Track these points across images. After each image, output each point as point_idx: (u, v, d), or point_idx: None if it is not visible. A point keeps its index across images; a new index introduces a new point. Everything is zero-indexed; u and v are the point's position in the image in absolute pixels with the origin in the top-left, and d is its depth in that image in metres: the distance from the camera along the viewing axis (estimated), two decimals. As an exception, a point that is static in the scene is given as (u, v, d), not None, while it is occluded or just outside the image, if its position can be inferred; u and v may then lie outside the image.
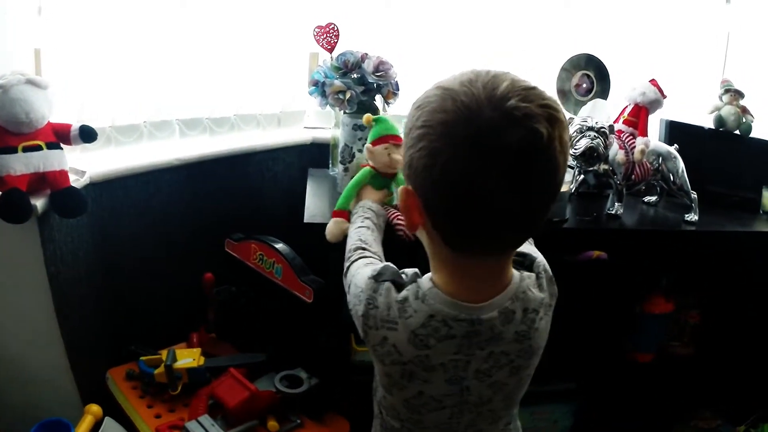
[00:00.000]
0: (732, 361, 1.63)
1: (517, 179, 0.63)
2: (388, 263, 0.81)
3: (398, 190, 0.73)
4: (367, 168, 1.23)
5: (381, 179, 1.26)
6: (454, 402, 0.78)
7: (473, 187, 0.63)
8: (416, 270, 0.78)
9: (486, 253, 0.71)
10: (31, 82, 1.13)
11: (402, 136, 1.24)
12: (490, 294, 0.73)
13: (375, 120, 1.23)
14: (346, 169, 1.45)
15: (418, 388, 0.76)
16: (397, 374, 0.76)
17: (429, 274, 0.76)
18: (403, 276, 0.78)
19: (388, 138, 1.22)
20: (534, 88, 0.64)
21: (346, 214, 1.17)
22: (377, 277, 0.77)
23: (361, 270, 0.83)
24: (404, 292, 0.74)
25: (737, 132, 1.68)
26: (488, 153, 0.62)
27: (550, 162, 0.64)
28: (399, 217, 1.21)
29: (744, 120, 1.67)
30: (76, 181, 1.22)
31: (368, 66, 1.44)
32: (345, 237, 1.07)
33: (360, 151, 1.43)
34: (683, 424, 1.71)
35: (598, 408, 1.60)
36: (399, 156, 1.22)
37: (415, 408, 0.78)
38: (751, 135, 1.69)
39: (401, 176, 1.29)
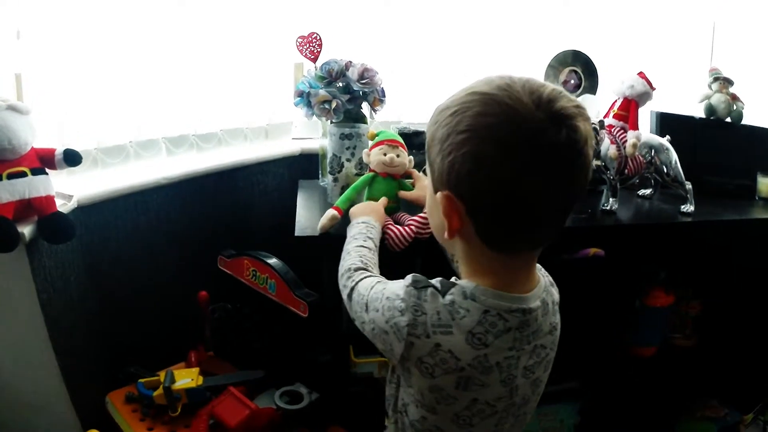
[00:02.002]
0: (736, 349, 1.62)
1: (562, 177, 0.67)
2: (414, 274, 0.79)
3: (436, 198, 0.71)
4: (369, 173, 1.28)
5: (383, 183, 1.26)
6: (504, 405, 0.77)
7: (522, 186, 0.65)
8: (441, 278, 0.77)
9: (525, 249, 0.74)
10: (12, 107, 1.12)
11: (398, 139, 1.27)
12: (530, 287, 0.76)
13: (377, 134, 1.28)
14: (335, 179, 1.43)
15: (472, 396, 0.74)
16: (451, 385, 0.73)
17: (465, 280, 0.75)
18: (437, 284, 0.76)
19: (383, 142, 1.27)
20: (563, 90, 0.68)
21: (341, 212, 1.22)
22: (416, 284, 0.75)
23: (383, 284, 0.81)
24: (449, 296, 0.73)
25: (728, 120, 1.67)
26: (536, 153, 0.65)
27: (587, 159, 0.68)
28: (390, 226, 1.20)
29: (734, 107, 1.66)
30: (63, 206, 1.21)
31: (353, 74, 1.43)
32: (330, 229, 1.15)
33: (348, 160, 1.42)
34: (690, 415, 1.70)
35: (604, 405, 1.59)
36: (393, 155, 1.23)
37: (467, 420, 0.75)
38: (743, 122, 1.68)
39: (406, 183, 1.29)
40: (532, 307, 0.75)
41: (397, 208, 1.31)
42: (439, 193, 0.71)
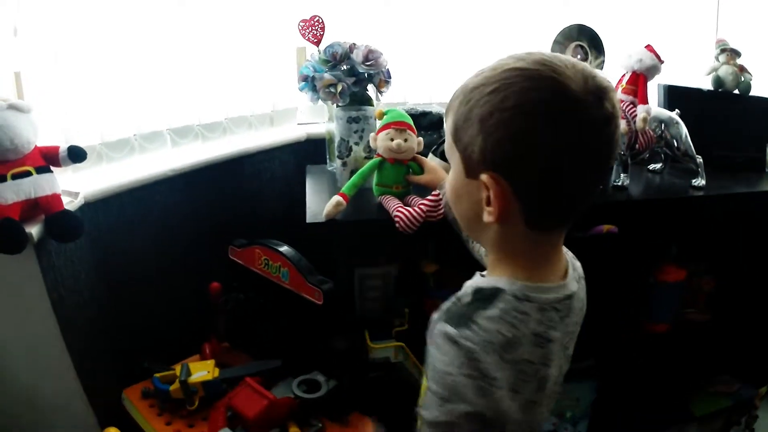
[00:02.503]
0: (749, 324, 1.62)
1: (603, 150, 0.66)
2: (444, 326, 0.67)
3: (484, 178, 0.66)
4: (377, 158, 1.26)
5: (392, 168, 1.25)
6: (554, 384, 0.74)
7: (570, 162, 0.64)
8: (474, 285, 0.73)
9: (562, 226, 0.73)
10: (13, 107, 1.09)
11: (406, 120, 1.25)
12: (563, 266, 0.76)
13: (385, 113, 1.25)
14: (344, 164, 1.42)
15: (541, 387, 0.71)
16: (532, 390, 0.69)
17: (501, 277, 0.71)
18: (466, 299, 0.71)
19: (389, 125, 1.24)
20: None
21: (347, 198, 1.21)
22: (457, 324, 0.65)
23: (447, 347, 0.66)
24: (500, 305, 0.68)
25: (736, 91, 1.65)
26: (585, 127, 0.64)
27: (619, 132, 0.68)
28: (399, 208, 1.19)
29: (742, 79, 1.64)
30: (70, 203, 1.18)
31: (357, 56, 1.41)
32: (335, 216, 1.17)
33: (357, 144, 1.40)
34: (703, 390, 1.71)
35: (619, 381, 1.59)
36: (401, 140, 1.22)
37: (534, 413, 0.71)
38: (751, 93, 1.66)
39: (414, 166, 1.27)
40: (574, 291, 0.74)
41: (406, 192, 1.29)
42: (483, 176, 0.67)
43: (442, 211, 1.19)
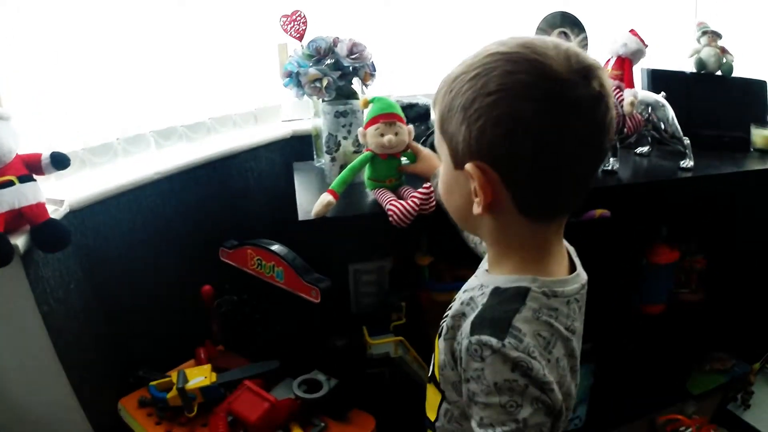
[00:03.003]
0: (741, 301, 1.64)
1: (596, 132, 0.63)
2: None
3: (468, 168, 0.64)
4: (368, 152, 1.24)
5: (384, 163, 1.24)
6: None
7: (560, 145, 0.62)
8: (490, 284, 0.71)
9: (561, 215, 0.71)
10: (-9, 114, 1.06)
11: (395, 111, 1.24)
12: (566, 256, 0.75)
13: (371, 101, 1.22)
14: (333, 159, 1.40)
15: (574, 383, 0.70)
16: (569, 385, 0.67)
17: (521, 276, 0.69)
18: (482, 300, 0.69)
19: (378, 118, 1.22)
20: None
21: (337, 195, 1.19)
22: (497, 333, 0.62)
23: (492, 359, 0.63)
24: (532, 304, 0.65)
25: (719, 73, 1.67)
26: (572, 108, 0.61)
27: (612, 112, 0.65)
28: (392, 202, 1.18)
29: (724, 60, 1.66)
30: (55, 212, 1.15)
31: (342, 50, 1.39)
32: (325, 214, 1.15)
33: (345, 138, 1.38)
34: (699, 368, 1.73)
35: (616, 364, 1.60)
36: (391, 135, 1.20)
37: (569, 404, 0.69)
38: (733, 74, 1.68)
39: (409, 155, 1.26)
40: (586, 279, 0.74)
41: (399, 184, 1.28)
42: (468, 165, 0.65)
43: (434, 202, 1.18)
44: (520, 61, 0.61)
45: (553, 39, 0.64)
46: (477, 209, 0.67)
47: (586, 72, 0.61)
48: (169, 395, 1.24)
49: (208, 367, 1.31)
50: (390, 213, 1.17)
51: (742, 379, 1.72)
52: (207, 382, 1.26)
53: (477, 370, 0.63)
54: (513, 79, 0.61)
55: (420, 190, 1.17)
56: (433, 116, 0.72)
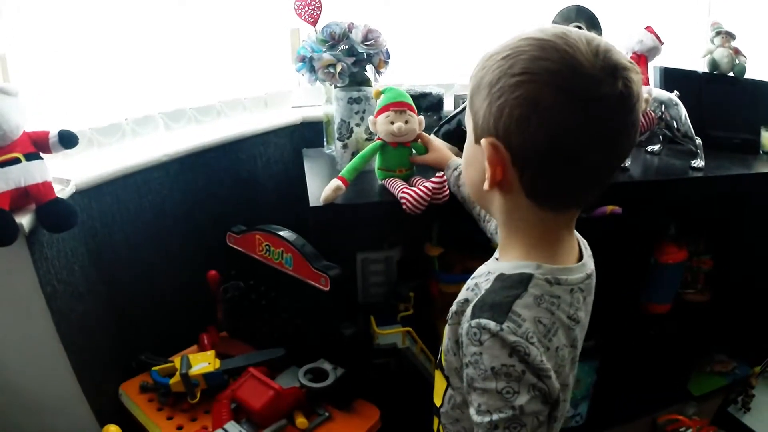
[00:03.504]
0: (746, 303, 1.64)
1: (614, 131, 0.63)
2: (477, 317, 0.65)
3: (482, 143, 0.66)
4: (378, 141, 1.23)
5: (394, 152, 1.22)
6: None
7: (573, 137, 0.62)
8: (495, 270, 0.70)
9: (571, 207, 0.72)
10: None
11: (406, 100, 1.22)
12: (576, 246, 0.75)
13: (382, 91, 1.21)
14: (345, 146, 1.38)
15: (572, 374, 0.72)
16: (566, 374, 0.68)
17: (526, 262, 0.69)
18: (486, 286, 0.69)
19: (389, 106, 1.21)
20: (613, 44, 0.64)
21: (347, 182, 1.18)
22: (497, 317, 0.63)
23: (490, 343, 0.63)
24: (534, 291, 0.66)
25: (731, 74, 1.66)
26: (592, 103, 0.61)
27: (638, 115, 0.65)
28: (405, 189, 1.17)
29: (737, 61, 1.65)
30: (61, 191, 1.13)
31: (356, 36, 1.37)
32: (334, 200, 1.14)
33: (358, 125, 1.36)
34: (701, 370, 1.73)
35: (619, 362, 1.60)
36: (401, 123, 1.19)
37: (566, 395, 0.70)
38: (745, 76, 1.67)
39: (418, 146, 1.24)
40: (593, 269, 0.75)
41: (410, 174, 1.27)
42: (483, 141, 0.66)
43: (447, 192, 1.17)
44: (549, 49, 0.62)
45: (590, 34, 0.64)
46: (486, 185, 0.68)
47: (614, 70, 0.61)
48: (172, 381, 1.23)
49: (212, 353, 1.30)
50: (403, 200, 1.15)
51: (743, 382, 1.72)
52: (210, 369, 1.25)
53: (475, 354, 0.63)
54: (538, 65, 0.62)
55: (433, 179, 1.16)
56: (468, 91, 0.73)
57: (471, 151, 0.73)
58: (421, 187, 1.15)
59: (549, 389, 0.61)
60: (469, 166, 0.75)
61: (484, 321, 0.63)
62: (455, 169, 1.17)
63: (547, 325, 0.65)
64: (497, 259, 0.77)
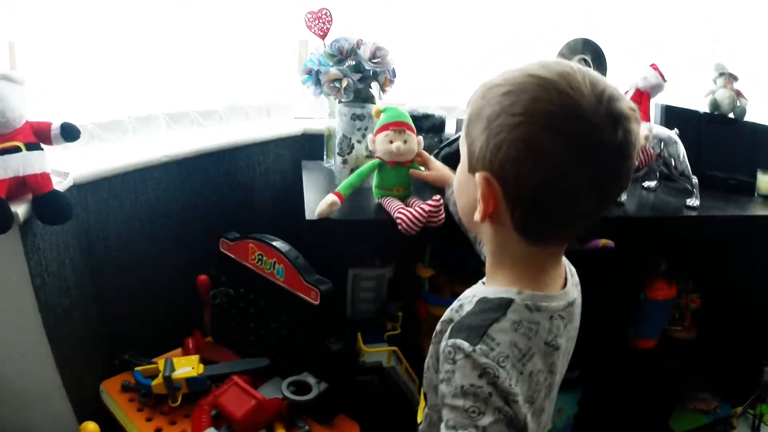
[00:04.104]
0: (731, 343, 1.64)
1: (609, 176, 0.64)
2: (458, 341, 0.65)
3: (477, 177, 0.67)
4: (377, 160, 1.23)
5: (392, 171, 1.22)
6: (554, 397, 0.75)
7: (568, 180, 0.62)
8: (478, 294, 0.72)
9: (557, 242, 0.72)
10: (5, 77, 1.03)
11: (405, 120, 1.23)
12: (561, 275, 0.75)
13: (383, 111, 1.22)
14: (344, 161, 1.39)
15: (548, 399, 0.72)
16: (542, 399, 0.68)
17: (508, 288, 0.70)
18: (468, 308, 0.70)
19: (388, 126, 1.22)
20: (618, 89, 0.64)
21: (342, 198, 1.18)
22: (471, 339, 0.63)
23: (463, 362, 0.64)
24: (512, 316, 0.66)
25: (732, 115, 1.68)
26: (590, 149, 0.61)
27: (633, 162, 0.65)
28: (401, 209, 1.17)
29: (738, 103, 1.67)
30: (59, 184, 1.13)
31: (364, 52, 1.38)
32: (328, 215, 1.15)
33: (359, 141, 1.37)
34: (683, 407, 1.73)
35: (602, 396, 1.60)
36: (400, 143, 1.19)
37: (541, 420, 0.71)
38: (746, 118, 1.69)
39: (416, 166, 1.25)
40: (575, 297, 0.75)
41: (407, 194, 1.27)
42: (477, 174, 0.67)
43: (442, 216, 1.17)
44: (551, 90, 0.61)
45: (595, 76, 0.63)
46: (477, 216, 0.69)
47: (615, 119, 0.61)
48: (154, 382, 1.22)
49: (196, 357, 1.29)
50: (399, 220, 1.15)
51: (725, 421, 1.72)
52: (194, 373, 1.24)
53: (448, 372, 0.64)
54: (539, 106, 0.61)
55: (430, 201, 1.16)
56: (465, 115, 0.73)
57: (464, 179, 0.74)
58: (418, 209, 1.15)
59: (515, 414, 0.61)
60: (462, 193, 0.76)
61: (459, 341, 0.63)
62: (453, 192, 1.18)
63: (523, 349, 0.65)
64: (483, 283, 0.78)
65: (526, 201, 0.65)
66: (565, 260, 0.79)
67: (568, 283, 0.75)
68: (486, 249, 0.77)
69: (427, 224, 1.16)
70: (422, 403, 0.85)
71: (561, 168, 0.62)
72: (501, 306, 0.67)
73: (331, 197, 1.17)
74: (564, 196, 0.64)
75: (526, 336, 0.66)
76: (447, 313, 0.76)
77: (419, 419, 0.86)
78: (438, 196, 1.17)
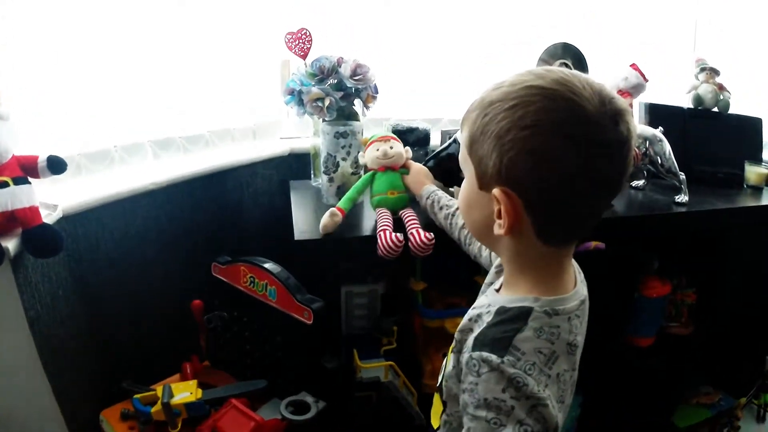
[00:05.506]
0: (729, 336, 1.64)
1: (617, 171, 0.68)
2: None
3: (496, 193, 0.69)
4: (369, 172, 1.28)
5: (384, 176, 1.26)
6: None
7: (584, 182, 0.66)
8: (496, 304, 0.74)
9: (573, 240, 0.75)
10: (-10, 113, 1.05)
11: (389, 135, 1.25)
12: (573, 273, 0.78)
13: (370, 138, 1.30)
14: (330, 179, 1.40)
15: (572, 396, 0.75)
16: (569, 397, 0.73)
17: (525, 296, 0.72)
18: (487, 318, 0.72)
19: (374, 141, 1.28)
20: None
21: (344, 212, 1.21)
22: (498, 351, 0.66)
23: (487, 376, 0.66)
24: (533, 324, 0.69)
25: (716, 109, 1.69)
26: (600, 149, 0.65)
27: (633, 153, 0.70)
28: (382, 230, 1.16)
29: (721, 97, 1.68)
30: (48, 216, 1.13)
31: (345, 70, 1.39)
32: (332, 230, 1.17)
33: (344, 159, 1.38)
34: (686, 402, 1.72)
35: (604, 396, 1.59)
36: (386, 148, 1.25)
37: (565, 414, 0.74)
38: (729, 111, 1.70)
39: (406, 171, 1.28)
40: (586, 294, 0.78)
41: (404, 196, 1.27)
42: (495, 190, 0.69)
43: (430, 251, 1.16)
44: (558, 99, 0.65)
45: (587, 78, 0.67)
46: (498, 231, 0.71)
47: (617, 116, 0.66)
48: (153, 409, 1.22)
49: (194, 382, 1.29)
50: (378, 246, 1.15)
51: (729, 413, 1.71)
52: (192, 398, 1.24)
53: (472, 383, 0.66)
54: (549, 116, 0.65)
55: (423, 236, 1.15)
56: (460, 135, 0.76)
57: (474, 196, 0.75)
58: (397, 235, 1.14)
59: (546, 420, 0.63)
60: (472, 210, 0.77)
61: (485, 354, 0.66)
62: (428, 198, 1.20)
63: (547, 354, 0.68)
64: (497, 290, 0.81)
65: (545, 206, 0.69)
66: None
67: (577, 281, 0.78)
68: (503, 260, 0.80)
69: (413, 254, 1.16)
70: (436, 407, 0.88)
71: (576, 170, 0.65)
72: (521, 315, 0.70)
73: (333, 211, 1.19)
74: (581, 196, 0.68)
75: (549, 341, 0.69)
76: (465, 323, 0.78)
77: (434, 423, 0.89)
78: (431, 235, 1.15)
